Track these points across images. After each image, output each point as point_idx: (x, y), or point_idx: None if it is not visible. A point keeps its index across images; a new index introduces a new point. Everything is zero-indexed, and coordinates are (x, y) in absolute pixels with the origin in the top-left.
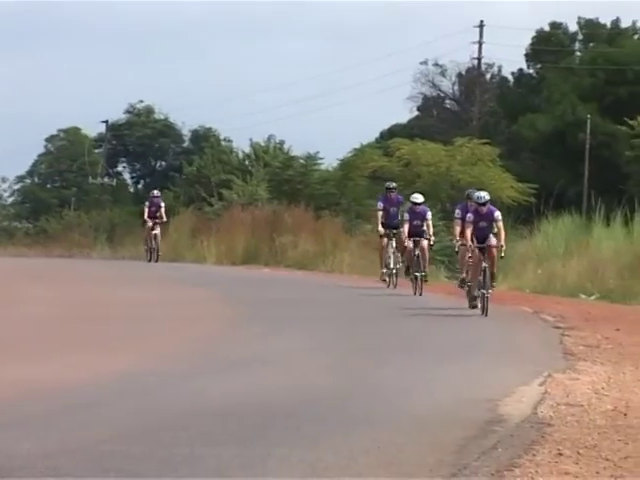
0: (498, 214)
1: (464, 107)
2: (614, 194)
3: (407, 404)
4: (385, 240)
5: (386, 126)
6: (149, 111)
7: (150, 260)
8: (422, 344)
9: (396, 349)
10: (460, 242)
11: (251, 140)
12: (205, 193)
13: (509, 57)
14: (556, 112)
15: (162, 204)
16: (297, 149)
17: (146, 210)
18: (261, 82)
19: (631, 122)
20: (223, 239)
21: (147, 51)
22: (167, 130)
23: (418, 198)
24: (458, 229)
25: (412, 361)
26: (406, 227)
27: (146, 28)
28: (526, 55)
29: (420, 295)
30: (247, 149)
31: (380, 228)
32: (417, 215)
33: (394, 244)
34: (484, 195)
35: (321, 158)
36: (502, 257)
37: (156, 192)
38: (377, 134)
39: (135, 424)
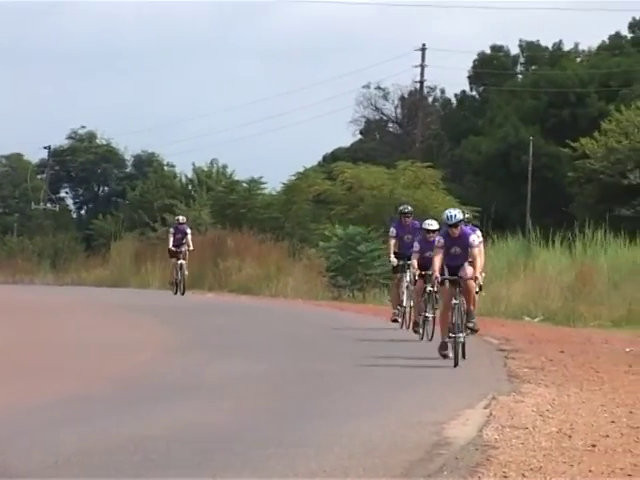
0: (474, 238)
1: (407, 130)
2: (557, 215)
3: (354, 427)
4: (399, 274)
5: (329, 149)
6: (91, 136)
7: (176, 292)
8: (367, 369)
9: (344, 373)
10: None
11: (194, 164)
12: (148, 218)
13: (452, 80)
14: (499, 134)
15: (188, 231)
16: (240, 173)
17: (171, 238)
18: (203, 106)
19: (573, 144)
20: (167, 264)
21: (89, 76)
22: (110, 155)
23: (432, 225)
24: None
25: (360, 385)
26: (415, 261)
27: (88, 51)
28: (469, 77)
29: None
30: (190, 173)
31: (392, 258)
32: (430, 245)
33: (408, 277)
34: (455, 214)
35: (264, 182)
36: (478, 291)
37: (181, 218)
38: (320, 158)
39: (79, 450)
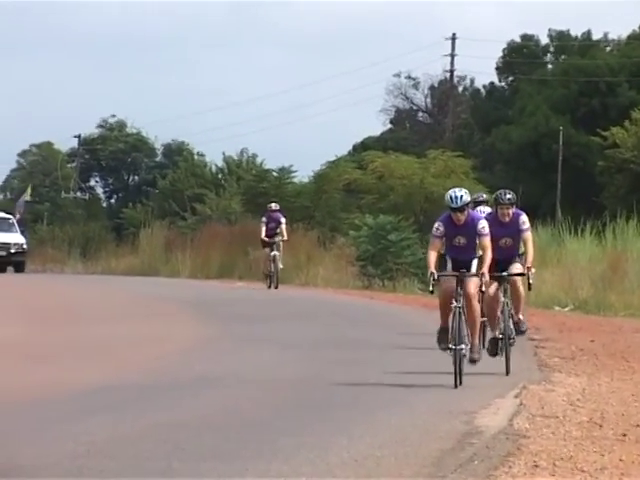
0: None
1: (437, 119)
2: (587, 205)
3: (385, 417)
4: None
5: (359, 139)
6: (121, 125)
7: (270, 287)
8: (399, 358)
9: (374, 362)
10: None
11: (224, 154)
12: (178, 207)
13: (481, 69)
14: (529, 124)
15: (283, 219)
16: (270, 163)
17: (263, 228)
18: (234, 95)
19: (604, 133)
20: (198, 253)
21: (120, 65)
22: (140, 144)
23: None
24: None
25: (390, 375)
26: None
27: (118, 42)
28: (497, 68)
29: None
30: (220, 163)
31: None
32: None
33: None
34: (460, 195)
35: (295, 171)
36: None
37: (274, 205)
38: (350, 147)
39: (111, 438)
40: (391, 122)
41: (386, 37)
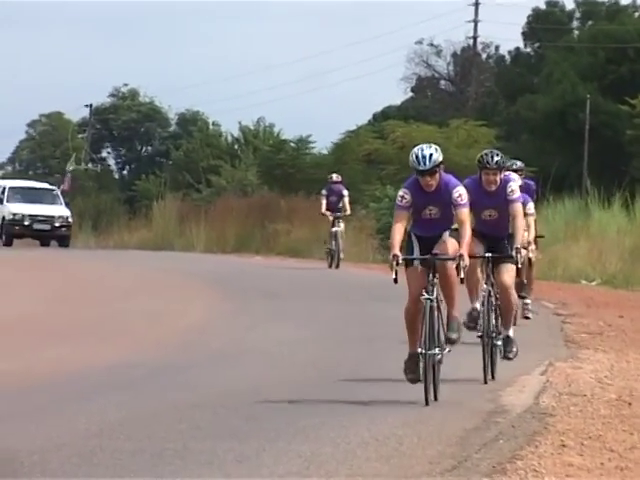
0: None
1: (460, 88)
2: (616, 175)
3: (408, 394)
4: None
5: (379, 108)
6: (134, 94)
7: (330, 266)
8: None
9: (396, 338)
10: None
11: (240, 123)
12: (193, 179)
13: (506, 36)
14: (556, 92)
15: (345, 192)
16: (288, 133)
17: (324, 201)
18: (250, 63)
19: (632, 101)
20: (213, 226)
21: (132, 33)
22: (153, 114)
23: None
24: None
25: None
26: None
27: (130, 9)
28: (523, 34)
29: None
30: (236, 133)
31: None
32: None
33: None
34: (428, 154)
35: (313, 142)
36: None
37: (335, 176)
38: (370, 116)
39: (125, 418)
40: (412, 90)
41: (407, 3)
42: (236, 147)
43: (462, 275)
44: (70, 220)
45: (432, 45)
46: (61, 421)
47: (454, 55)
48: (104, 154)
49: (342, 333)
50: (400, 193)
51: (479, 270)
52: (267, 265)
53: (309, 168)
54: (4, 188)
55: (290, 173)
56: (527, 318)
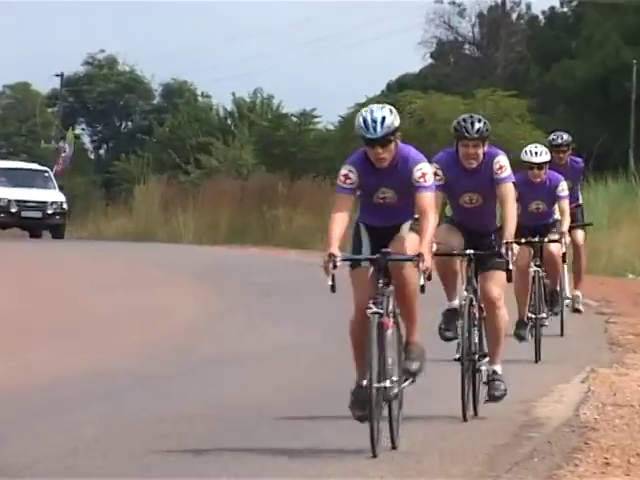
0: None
1: (487, 53)
2: None
3: (427, 407)
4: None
5: (394, 76)
6: (112, 62)
7: None
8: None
9: None
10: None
11: (234, 95)
12: (180, 159)
13: None
14: (597, 57)
15: None
16: (289, 105)
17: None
18: (245, 26)
19: None
20: (203, 213)
21: None
22: (134, 84)
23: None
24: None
25: (432, 355)
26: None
27: None
28: None
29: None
30: (229, 106)
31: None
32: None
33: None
34: (381, 116)
35: (318, 116)
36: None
37: None
38: (384, 86)
39: (103, 433)
40: (432, 56)
41: None
42: (229, 122)
43: (422, 282)
44: (65, 207)
45: (454, 3)
46: (31, 437)
47: (480, 15)
48: (78, 131)
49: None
50: (342, 171)
51: (457, 262)
52: (265, 258)
53: (313, 146)
54: None
55: (291, 152)
56: (578, 311)
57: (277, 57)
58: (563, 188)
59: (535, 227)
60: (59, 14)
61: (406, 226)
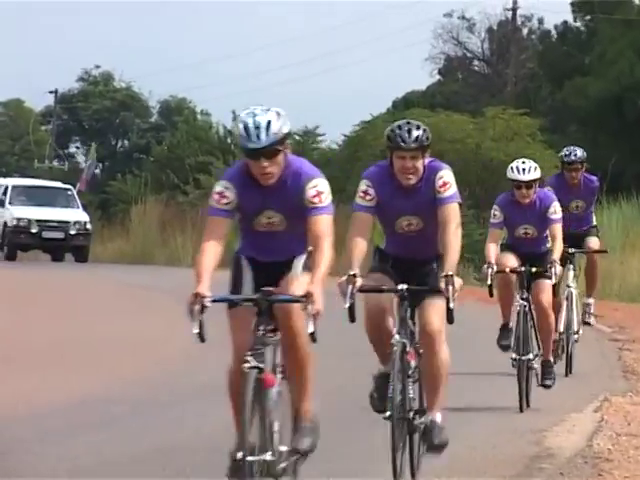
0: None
1: (496, 69)
2: None
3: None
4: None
5: (401, 93)
6: (108, 78)
7: None
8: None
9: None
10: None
11: (234, 113)
12: (178, 179)
13: (551, 7)
14: (611, 74)
15: None
16: (291, 123)
17: None
18: (246, 41)
19: None
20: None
21: (105, 5)
22: (130, 101)
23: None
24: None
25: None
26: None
27: None
28: (572, 4)
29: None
30: (229, 124)
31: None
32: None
33: (573, 275)
34: (264, 121)
35: (322, 134)
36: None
37: None
38: (389, 104)
39: (99, 463)
40: (440, 73)
41: None
42: (229, 141)
43: (312, 329)
44: (89, 227)
45: (464, 18)
46: (22, 466)
47: (489, 30)
48: (72, 149)
49: (355, 362)
50: (216, 188)
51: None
52: None
53: (317, 165)
54: (6, 187)
55: None
56: (587, 324)
57: (279, 73)
58: (555, 210)
59: (524, 255)
60: (53, 29)
61: (299, 260)
